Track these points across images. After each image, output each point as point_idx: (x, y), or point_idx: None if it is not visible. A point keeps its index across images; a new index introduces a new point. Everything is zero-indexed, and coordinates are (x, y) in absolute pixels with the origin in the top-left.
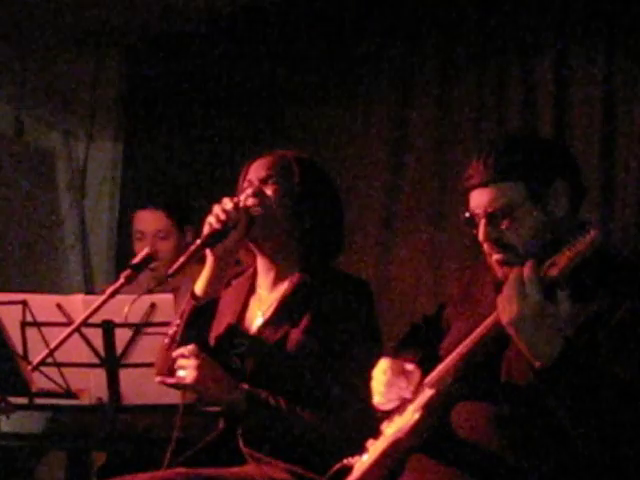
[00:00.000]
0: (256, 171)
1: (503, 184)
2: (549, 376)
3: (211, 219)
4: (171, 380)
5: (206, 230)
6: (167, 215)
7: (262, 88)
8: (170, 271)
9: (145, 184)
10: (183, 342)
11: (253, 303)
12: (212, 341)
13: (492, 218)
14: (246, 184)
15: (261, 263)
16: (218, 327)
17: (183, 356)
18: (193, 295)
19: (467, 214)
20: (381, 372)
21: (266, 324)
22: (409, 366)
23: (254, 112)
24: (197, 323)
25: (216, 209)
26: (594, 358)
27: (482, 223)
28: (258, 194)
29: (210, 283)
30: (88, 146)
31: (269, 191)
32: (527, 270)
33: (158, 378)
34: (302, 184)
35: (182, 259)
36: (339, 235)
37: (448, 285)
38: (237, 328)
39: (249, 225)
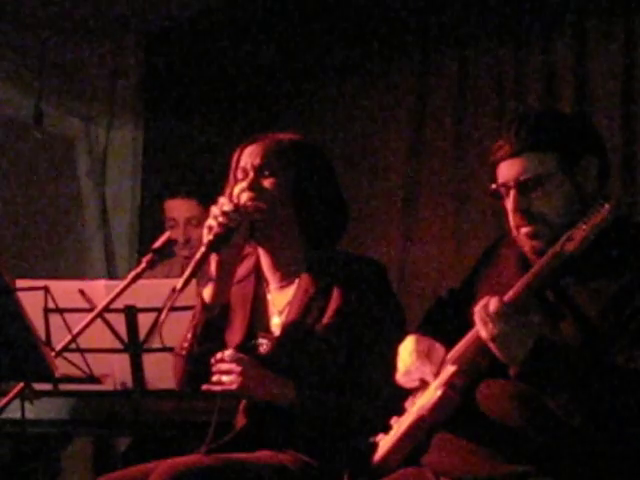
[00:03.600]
0: (250, 158)
1: (535, 154)
2: (525, 378)
3: (212, 222)
4: (217, 388)
5: (208, 235)
6: (198, 203)
7: (281, 69)
8: (179, 286)
9: (166, 170)
10: (201, 354)
11: (265, 301)
12: (228, 343)
13: (523, 188)
14: (240, 173)
15: (265, 260)
16: (231, 327)
17: (223, 361)
18: (203, 304)
19: (494, 186)
20: (407, 353)
21: (288, 324)
22: (435, 345)
23: (274, 94)
24: (211, 332)
25: (215, 211)
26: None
27: (513, 193)
28: (254, 187)
29: (218, 288)
30: (108, 133)
31: (266, 184)
32: (492, 305)
33: (204, 386)
34: (299, 171)
35: (189, 271)
36: (342, 215)
37: (471, 260)
38: (256, 330)
39: (251, 224)
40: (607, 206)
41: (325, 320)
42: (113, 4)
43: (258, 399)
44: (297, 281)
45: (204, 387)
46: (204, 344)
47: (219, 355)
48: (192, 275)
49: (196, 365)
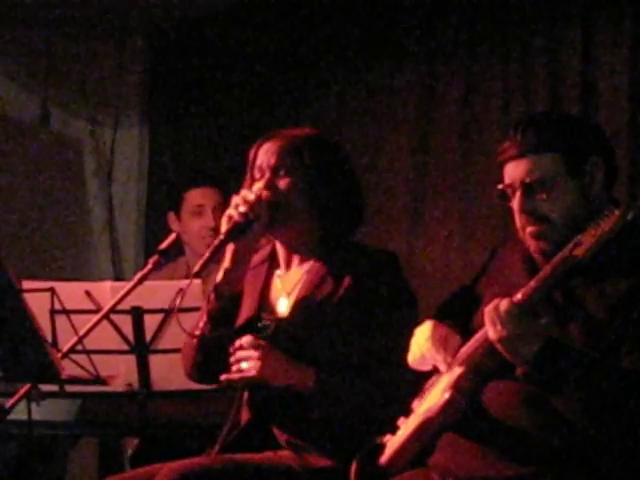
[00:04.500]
0: (266, 157)
1: (541, 155)
2: (533, 379)
3: (232, 212)
4: (236, 376)
5: (227, 224)
6: (219, 192)
7: (286, 69)
8: (195, 269)
9: (172, 170)
10: (212, 341)
11: (275, 284)
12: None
13: (529, 189)
14: (257, 172)
15: (280, 250)
16: (242, 311)
17: (242, 348)
18: (216, 291)
19: (500, 186)
20: (424, 338)
21: (296, 305)
22: (452, 335)
23: (279, 94)
24: (223, 319)
25: (236, 201)
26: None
27: (518, 194)
28: (271, 186)
29: (232, 277)
30: (114, 133)
31: (282, 184)
32: (503, 306)
33: (223, 376)
34: (315, 168)
35: (206, 255)
36: (358, 209)
37: (478, 260)
38: (261, 312)
39: (270, 217)
40: (617, 212)
41: (335, 300)
42: (118, 5)
43: (277, 385)
44: (308, 264)
45: (222, 377)
46: (216, 330)
47: (237, 343)
48: (209, 260)
49: (206, 351)
